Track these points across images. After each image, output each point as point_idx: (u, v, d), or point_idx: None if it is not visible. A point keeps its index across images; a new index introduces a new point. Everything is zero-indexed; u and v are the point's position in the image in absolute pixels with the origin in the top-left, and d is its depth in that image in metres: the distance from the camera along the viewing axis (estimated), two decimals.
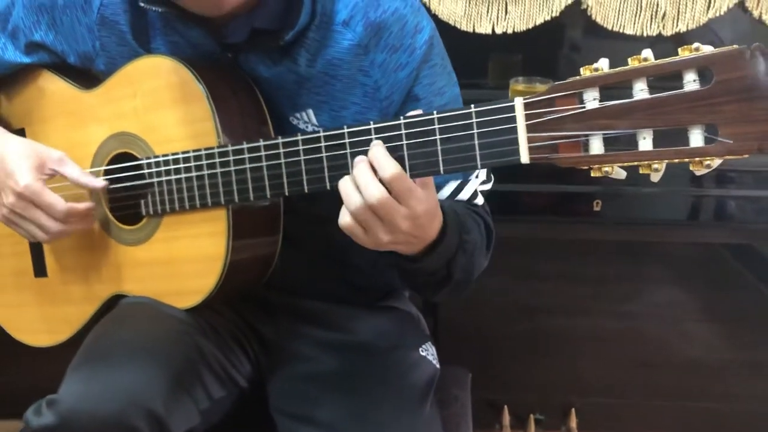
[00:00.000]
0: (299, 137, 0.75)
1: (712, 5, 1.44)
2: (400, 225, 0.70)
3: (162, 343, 0.83)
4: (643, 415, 1.69)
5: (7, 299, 1.08)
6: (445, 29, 1.48)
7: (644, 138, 0.58)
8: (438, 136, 0.66)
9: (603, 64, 0.60)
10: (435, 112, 0.67)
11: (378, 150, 0.69)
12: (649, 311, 1.64)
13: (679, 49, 0.57)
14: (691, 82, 0.57)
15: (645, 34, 1.46)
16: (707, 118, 0.56)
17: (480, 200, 0.93)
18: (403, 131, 0.68)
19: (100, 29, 0.90)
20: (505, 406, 1.67)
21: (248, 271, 0.89)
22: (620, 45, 1.52)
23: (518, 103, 0.62)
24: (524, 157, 0.62)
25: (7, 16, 0.95)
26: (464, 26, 1.51)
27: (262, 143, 0.78)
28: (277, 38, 0.83)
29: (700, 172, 0.59)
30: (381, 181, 0.68)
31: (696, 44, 0.57)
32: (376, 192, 0.68)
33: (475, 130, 0.64)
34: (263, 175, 0.78)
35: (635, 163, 0.59)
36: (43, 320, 1.04)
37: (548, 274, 1.63)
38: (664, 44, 1.48)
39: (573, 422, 1.66)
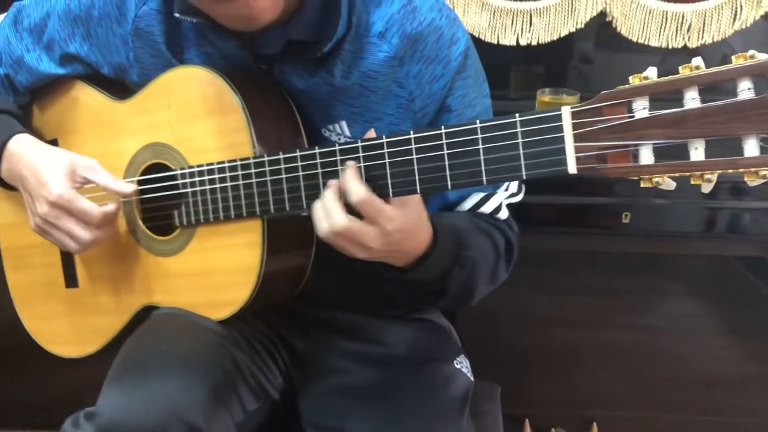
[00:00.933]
0: (337, 147, 0.74)
1: (738, 17, 1.43)
2: (371, 244, 0.74)
3: (199, 355, 0.82)
4: (664, 430, 1.67)
5: (37, 310, 1.08)
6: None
7: (696, 148, 0.57)
8: (481, 146, 0.66)
9: (651, 73, 0.60)
10: (478, 121, 0.66)
11: (347, 174, 0.73)
12: (668, 324, 1.62)
13: (733, 57, 0.56)
14: (745, 90, 0.56)
15: (670, 46, 1.45)
16: (764, 127, 0.55)
17: (504, 214, 0.93)
18: (444, 141, 0.67)
19: (135, 40, 0.90)
20: (527, 420, 1.65)
21: (282, 282, 0.89)
22: (644, 58, 1.51)
23: (565, 112, 0.61)
24: (572, 168, 0.61)
25: (43, 28, 0.95)
26: (488, 38, 1.51)
27: (298, 153, 0.77)
28: (314, 50, 0.83)
29: (754, 182, 0.58)
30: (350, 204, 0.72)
31: (751, 51, 0.56)
32: (339, 220, 0.72)
33: (520, 139, 0.63)
34: (299, 186, 0.77)
35: (687, 174, 0.58)
36: (74, 331, 1.04)
37: (567, 287, 1.62)
38: (689, 57, 1.48)
39: None
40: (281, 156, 0.79)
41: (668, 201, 1.35)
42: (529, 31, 1.51)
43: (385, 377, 0.94)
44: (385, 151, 0.71)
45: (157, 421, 0.71)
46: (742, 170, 0.56)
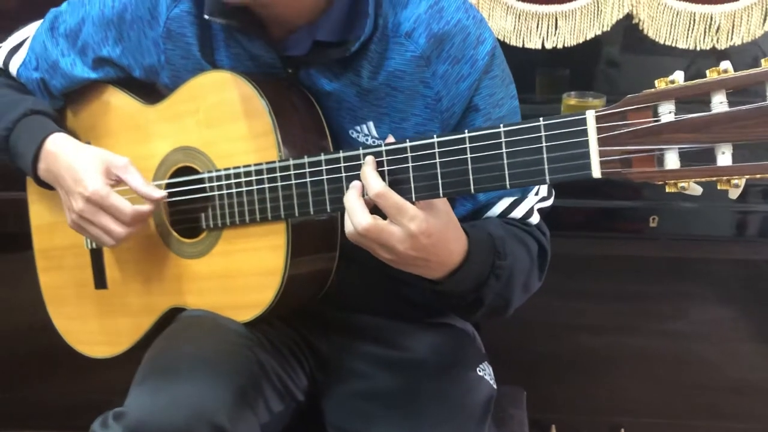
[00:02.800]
0: (360, 151, 0.75)
1: None
2: (397, 246, 0.72)
3: (225, 356, 0.83)
4: None
5: (68, 311, 1.11)
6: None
7: (723, 153, 0.57)
8: (504, 150, 0.66)
9: (678, 77, 0.59)
10: (501, 125, 0.66)
11: (365, 168, 0.74)
12: (697, 330, 1.60)
13: (763, 60, 0.56)
14: None
15: (698, 48, 1.43)
16: None
17: (535, 219, 0.92)
18: (468, 145, 0.68)
19: (166, 42, 0.92)
20: (553, 426, 1.64)
21: (306, 285, 0.90)
22: (672, 60, 1.50)
23: (590, 115, 0.61)
24: (596, 172, 0.61)
25: (78, 33, 0.97)
26: (514, 41, 1.50)
27: (323, 157, 0.78)
28: (342, 50, 0.84)
29: None
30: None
31: None
32: (362, 219, 0.72)
33: (544, 144, 0.63)
34: (323, 189, 0.78)
35: (714, 179, 0.57)
36: (103, 332, 1.06)
37: (595, 293, 1.60)
38: (716, 59, 1.46)
39: None
40: (306, 160, 0.79)
41: (698, 204, 1.34)
42: (555, 35, 1.50)
43: (408, 383, 0.94)
44: (409, 155, 0.72)
45: (183, 422, 0.73)
46: None
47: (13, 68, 1.02)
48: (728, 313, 1.59)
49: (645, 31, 1.46)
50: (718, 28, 1.43)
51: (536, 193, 0.93)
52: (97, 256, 1.04)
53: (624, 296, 1.60)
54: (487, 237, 0.83)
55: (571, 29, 1.49)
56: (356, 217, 0.72)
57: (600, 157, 0.61)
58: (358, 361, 0.98)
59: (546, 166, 0.63)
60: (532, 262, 0.89)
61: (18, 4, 1.07)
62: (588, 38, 1.47)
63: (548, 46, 1.49)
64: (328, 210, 0.79)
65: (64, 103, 1.05)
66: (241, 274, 0.89)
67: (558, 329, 1.63)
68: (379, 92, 0.86)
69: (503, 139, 0.66)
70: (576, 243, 1.41)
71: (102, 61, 0.97)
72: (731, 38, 1.43)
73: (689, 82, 0.58)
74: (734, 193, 0.59)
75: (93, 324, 1.07)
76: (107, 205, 0.88)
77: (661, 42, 1.45)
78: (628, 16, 1.46)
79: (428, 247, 0.74)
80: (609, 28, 1.46)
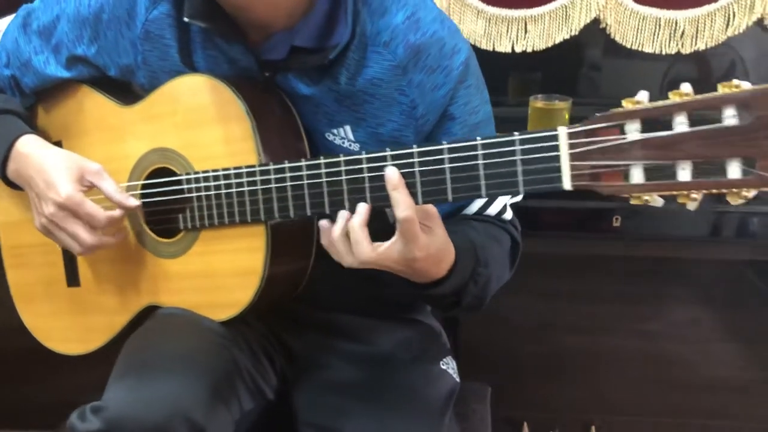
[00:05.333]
0: (342, 158, 0.77)
1: (731, 23, 1.46)
2: (394, 267, 0.77)
3: (203, 354, 0.85)
4: None
5: (38, 308, 1.10)
6: None
7: (683, 169, 0.61)
8: (480, 161, 0.69)
9: (643, 97, 0.63)
10: (479, 138, 0.69)
11: (400, 192, 0.73)
12: (670, 330, 1.65)
13: (719, 85, 0.59)
14: (730, 117, 0.59)
15: (664, 53, 1.49)
16: (746, 152, 0.58)
17: (508, 215, 0.96)
18: (447, 155, 0.70)
19: (144, 43, 0.92)
20: (525, 423, 1.69)
21: (283, 285, 0.92)
22: (638, 64, 1.54)
23: (562, 132, 0.64)
24: (567, 185, 0.64)
25: (52, 31, 0.97)
26: (484, 45, 1.54)
27: (303, 163, 0.80)
28: (321, 57, 0.85)
29: (736, 202, 0.61)
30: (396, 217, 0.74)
31: (735, 81, 0.59)
32: (366, 252, 0.76)
33: (519, 157, 0.67)
34: (304, 194, 0.80)
35: (674, 193, 0.61)
36: (75, 329, 1.06)
37: (569, 292, 1.65)
38: (682, 63, 1.52)
39: None
40: (287, 165, 0.81)
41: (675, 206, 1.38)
42: (525, 38, 1.53)
43: (373, 375, 0.98)
44: (389, 163, 0.74)
45: (161, 417, 0.74)
46: (724, 190, 0.60)
47: None
48: (703, 313, 1.64)
49: (612, 35, 1.51)
50: (682, 33, 1.48)
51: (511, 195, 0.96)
52: (69, 253, 1.04)
53: (600, 297, 1.64)
54: (470, 245, 0.86)
55: (541, 33, 1.53)
56: (359, 248, 0.76)
57: (571, 171, 0.64)
58: (328, 356, 1.01)
59: (520, 178, 0.67)
60: (504, 257, 0.93)
61: None
62: (557, 42, 1.52)
63: (518, 49, 1.53)
64: (308, 214, 0.81)
65: (35, 101, 1.04)
66: (219, 275, 0.90)
67: (532, 328, 1.68)
68: (357, 98, 0.88)
69: (480, 152, 0.69)
70: (549, 243, 1.44)
71: (76, 60, 0.97)
72: (695, 43, 1.48)
73: (654, 104, 0.61)
74: (692, 206, 0.63)
75: (65, 321, 1.07)
76: (82, 212, 0.88)
77: (628, 46, 1.50)
78: (596, 21, 1.50)
79: (423, 267, 0.78)
80: (577, 33, 1.50)
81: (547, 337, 1.67)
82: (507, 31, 1.54)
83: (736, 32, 1.45)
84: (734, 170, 0.59)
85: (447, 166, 0.70)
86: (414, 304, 1.10)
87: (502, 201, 0.95)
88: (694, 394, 1.66)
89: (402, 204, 0.73)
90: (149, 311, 0.98)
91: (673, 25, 1.48)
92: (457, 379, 1.07)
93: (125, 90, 0.99)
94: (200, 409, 0.78)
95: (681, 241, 1.41)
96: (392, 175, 0.73)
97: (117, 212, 0.91)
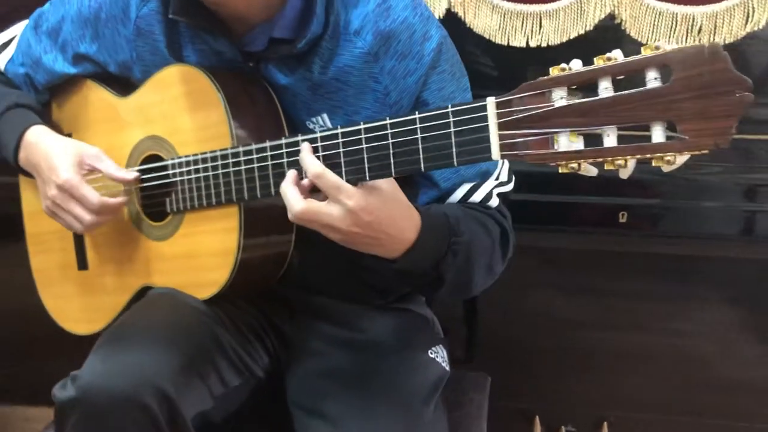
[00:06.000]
0: (299, 137, 0.80)
1: (750, 19, 1.41)
2: (338, 225, 0.76)
3: (177, 329, 0.89)
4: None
5: (55, 290, 1.18)
6: (480, 43, 1.52)
7: (608, 135, 0.60)
8: (419, 135, 0.70)
9: (574, 65, 0.63)
10: (417, 113, 0.70)
11: (302, 152, 0.78)
12: (693, 328, 1.60)
13: (642, 48, 0.59)
14: (652, 80, 0.58)
15: None
16: (666, 115, 0.57)
17: (494, 202, 0.96)
18: (390, 131, 0.72)
19: (136, 40, 0.98)
20: (537, 417, 1.66)
21: (261, 265, 0.95)
22: None
23: (490, 102, 0.65)
24: (495, 154, 0.65)
25: (58, 31, 1.05)
26: (499, 40, 1.53)
27: (268, 144, 0.83)
28: (292, 46, 0.89)
29: (666, 168, 0.60)
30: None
31: (657, 43, 0.58)
32: (296, 204, 0.77)
33: (452, 129, 0.68)
34: (268, 174, 0.83)
35: (599, 160, 0.61)
36: (84, 310, 1.13)
37: (590, 288, 1.62)
38: None
39: None
40: (253, 147, 0.85)
41: (710, 204, 1.35)
42: (539, 33, 1.53)
43: (361, 362, 0.99)
44: (340, 141, 0.76)
45: (129, 384, 0.78)
46: (648, 156, 0.59)
47: (1, 64, 1.10)
48: (727, 312, 1.58)
49: (627, 31, 1.48)
50: (700, 29, 1.44)
51: (496, 178, 0.96)
52: (79, 238, 1.11)
53: (621, 293, 1.60)
54: (443, 216, 0.85)
55: (555, 28, 1.52)
56: (290, 202, 0.77)
57: (500, 140, 0.65)
58: (317, 341, 1.03)
59: (454, 150, 0.68)
60: (493, 243, 0.92)
61: (10, 7, 1.15)
62: (572, 37, 1.50)
63: (533, 44, 1.52)
64: (272, 193, 0.84)
65: (49, 97, 1.12)
66: (201, 255, 0.95)
67: (551, 323, 1.65)
68: (330, 86, 0.91)
69: (418, 125, 0.70)
70: (575, 238, 1.42)
71: (80, 57, 1.04)
72: (713, 39, 1.44)
73: (577, 69, 0.61)
74: (624, 173, 0.62)
75: (76, 303, 1.14)
76: (77, 194, 0.95)
77: (644, 42, 1.47)
78: (611, 16, 1.48)
79: (373, 225, 0.77)
80: (592, 28, 1.49)
81: (565, 333, 1.64)
82: (522, 26, 1.53)
83: (756, 28, 1.40)
84: (658, 135, 0.59)
85: (390, 141, 0.72)
86: (405, 293, 1.11)
87: (487, 188, 0.95)
88: (715, 395, 1.60)
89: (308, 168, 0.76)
90: (144, 292, 1.03)
91: (691, 20, 1.44)
92: (447, 368, 1.06)
93: (126, 83, 1.05)
94: (170, 379, 0.81)
95: (709, 238, 1.38)
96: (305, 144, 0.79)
97: (114, 199, 0.97)
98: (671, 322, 1.61)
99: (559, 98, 0.62)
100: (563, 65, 0.62)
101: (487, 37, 1.53)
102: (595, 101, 0.60)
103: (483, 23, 1.54)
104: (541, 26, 1.52)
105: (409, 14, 0.90)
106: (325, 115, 0.93)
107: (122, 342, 0.85)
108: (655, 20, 1.46)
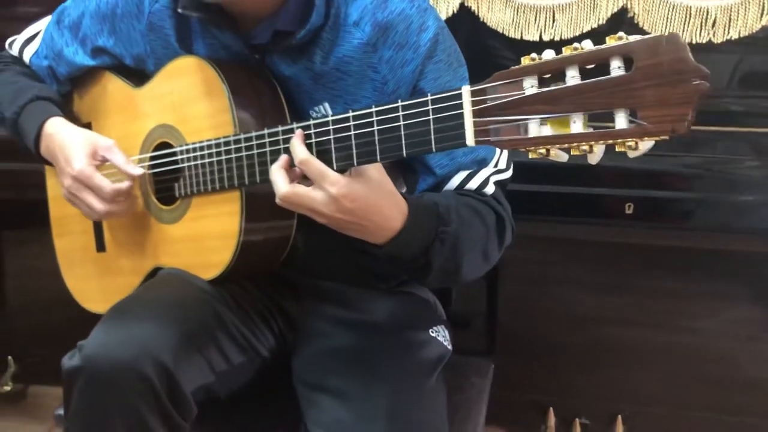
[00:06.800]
0: (294, 125, 0.84)
1: (765, 11, 1.40)
2: (322, 210, 0.80)
3: (179, 305, 0.94)
4: (694, 428, 1.64)
5: (76, 272, 1.25)
6: (494, 36, 1.54)
7: (575, 122, 0.63)
8: (402, 122, 0.73)
9: (544, 54, 0.65)
10: (399, 100, 0.74)
11: (293, 139, 0.82)
12: (715, 326, 1.59)
13: (607, 38, 0.61)
14: (616, 68, 0.61)
15: (694, 42, 1.44)
16: (628, 102, 0.60)
17: (490, 189, 0.97)
18: (375, 118, 0.76)
19: (149, 34, 1.04)
20: (550, 408, 1.68)
21: (263, 249, 0.99)
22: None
23: (465, 90, 0.68)
24: (470, 140, 0.68)
25: (79, 26, 1.11)
26: (512, 34, 1.55)
27: (266, 131, 0.87)
28: (292, 38, 0.93)
29: (631, 154, 0.62)
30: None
31: (621, 33, 0.61)
32: (281, 187, 0.81)
33: (431, 116, 0.71)
34: (266, 160, 0.88)
35: (566, 145, 0.63)
36: (102, 290, 1.19)
37: (614, 283, 1.63)
38: (718, 53, 1.46)
39: (620, 429, 1.65)
40: (253, 134, 0.89)
41: (750, 198, 1.34)
42: (552, 27, 1.54)
43: (362, 341, 1.03)
44: (331, 128, 0.80)
45: (129, 355, 0.83)
46: (611, 141, 0.61)
47: (27, 57, 1.17)
48: (745, 308, 1.57)
49: (640, 25, 1.48)
50: (714, 22, 1.44)
51: (494, 165, 0.98)
52: (97, 222, 1.17)
53: (641, 289, 1.61)
54: (432, 205, 0.88)
55: (568, 21, 1.53)
56: (277, 185, 0.82)
57: (474, 127, 0.68)
58: (322, 322, 1.07)
59: (432, 136, 0.71)
60: (487, 230, 0.94)
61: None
62: (585, 31, 1.51)
63: (546, 38, 1.54)
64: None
65: (71, 88, 1.18)
66: (207, 237, 0.99)
67: (568, 316, 1.66)
68: (331, 76, 0.95)
69: (401, 113, 0.73)
70: (604, 230, 1.42)
71: (99, 50, 1.10)
72: (728, 32, 1.43)
73: (546, 59, 0.64)
74: (591, 159, 0.64)
75: (95, 283, 1.21)
76: (91, 184, 1.00)
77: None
78: (624, 9, 1.48)
79: (356, 211, 0.80)
80: (605, 21, 1.49)
81: (581, 326, 1.65)
82: (535, 20, 1.55)
83: None
84: (621, 121, 0.61)
85: (375, 128, 0.75)
86: (406, 278, 1.14)
87: (484, 175, 0.97)
88: (734, 391, 1.59)
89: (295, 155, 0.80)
90: (156, 273, 1.08)
91: (705, 13, 1.43)
92: (448, 347, 1.10)
93: (141, 74, 1.10)
94: (168, 350, 0.86)
95: (739, 233, 1.37)
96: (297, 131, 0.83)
97: (123, 185, 1.02)
98: (693, 319, 1.60)
99: (530, 86, 0.65)
100: (533, 55, 0.65)
101: (501, 31, 1.55)
102: (561, 89, 0.63)
103: (497, 17, 1.56)
104: (554, 20, 1.54)
105: (406, 6, 0.93)
106: (326, 104, 0.97)
107: (126, 316, 0.90)
108: (668, 13, 1.46)
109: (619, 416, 1.66)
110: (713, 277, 1.57)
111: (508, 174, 1.01)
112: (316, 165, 0.80)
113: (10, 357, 1.95)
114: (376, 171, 0.82)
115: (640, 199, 1.32)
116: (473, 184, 0.97)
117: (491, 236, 0.96)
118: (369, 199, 0.80)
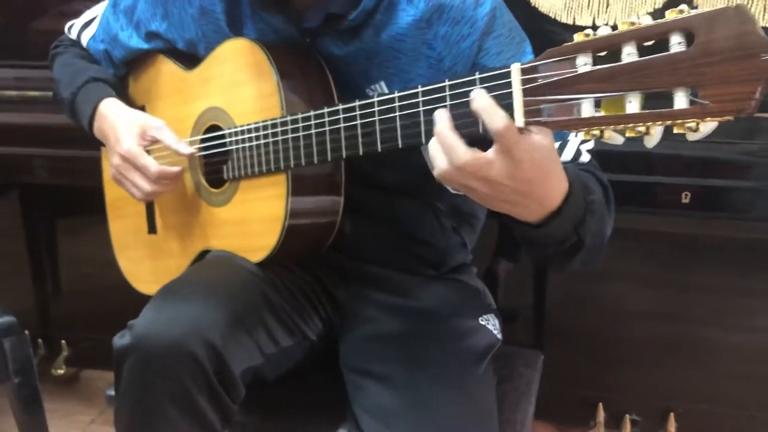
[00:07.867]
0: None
1: None
2: (496, 178, 0.69)
3: (227, 287, 0.94)
4: (748, 427, 1.59)
5: (129, 253, 1.27)
6: (546, 21, 1.51)
7: (630, 101, 0.60)
8: (449, 102, 0.72)
9: (600, 31, 0.63)
10: (446, 80, 0.72)
11: (487, 100, 0.67)
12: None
13: (667, 12, 0.58)
14: (676, 44, 0.58)
15: (765, 26, 1.38)
16: (688, 80, 0.57)
17: (586, 157, 0.90)
18: (421, 99, 0.75)
19: (200, 19, 1.05)
20: (600, 404, 1.65)
21: (309, 232, 0.99)
22: None
23: (515, 68, 0.66)
24: (519, 120, 0.66)
25: (133, 10, 1.13)
26: (564, 18, 1.51)
27: (312, 113, 0.87)
28: (343, 19, 0.93)
29: (691, 137, 0.60)
30: (489, 132, 0.67)
31: (683, 6, 0.58)
32: (462, 153, 0.68)
33: None
34: (311, 142, 0.87)
35: (621, 126, 0.61)
36: (152, 272, 1.22)
37: (665, 277, 1.59)
38: None
39: (672, 426, 1.61)
40: (299, 116, 0.89)
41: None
42: (606, 12, 1.50)
43: (409, 327, 1.03)
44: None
45: (179, 333, 0.84)
46: (669, 122, 0.58)
47: (84, 41, 1.20)
48: None
49: (699, 8, 1.42)
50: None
51: (576, 135, 0.86)
52: (149, 204, 1.20)
53: (701, 287, 1.57)
54: (575, 173, 0.78)
55: (623, 6, 1.48)
56: (456, 152, 0.69)
57: (525, 107, 0.66)
58: (369, 308, 1.07)
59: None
60: (606, 196, 0.86)
61: None
62: (640, 16, 1.46)
63: (599, 23, 1.49)
64: (315, 161, 0.88)
65: (126, 71, 1.20)
66: (253, 221, 1.00)
67: (620, 310, 1.63)
68: (385, 54, 0.95)
69: (448, 92, 0.72)
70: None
71: (152, 35, 1.12)
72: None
73: (601, 35, 0.61)
74: (648, 141, 0.62)
75: (146, 265, 1.23)
76: (138, 164, 1.02)
77: None
78: None
79: (528, 181, 0.70)
80: (661, 6, 1.44)
81: (634, 321, 1.62)
82: (588, 5, 1.51)
83: None
84: (681, 101, 0.58)
85: (421, 109, 0.74)
86: (457, 266, 1.13)
87: (573, 146, 0.90)
88: None
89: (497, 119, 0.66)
90: (204, 255, 1.10)
91: None
92: (498, 336, 1.09)
93: (193, 57, 1.11)
94: (218, 331, 0.87)
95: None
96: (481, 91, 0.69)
97: (172, 168, 1.04)
98: (750, 315, 1.56)
99: (583, 64, 0.62)
100: (588, 31, 0.62)
101: (553, 17, 1.51)
102: (616, 67, 0.60)
103: (549, 2, 1.52)
104: (608, 4, 1.49)
105: None
106: (382, 83, 0.97)
107: (175, 296, 0.92)
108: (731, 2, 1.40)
109: (672, 413, 1.62)
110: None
111: (592, 143, 0.92)
112: (516, 133, 0.66)
113: (63, 341, 2.01)
114: (547, 137, 0.69)
115: (698, 188, 1.27)
116: (566, 156, 0.89)
117: (609, 203, 0.86)
118: (541, 162, 0.69)
